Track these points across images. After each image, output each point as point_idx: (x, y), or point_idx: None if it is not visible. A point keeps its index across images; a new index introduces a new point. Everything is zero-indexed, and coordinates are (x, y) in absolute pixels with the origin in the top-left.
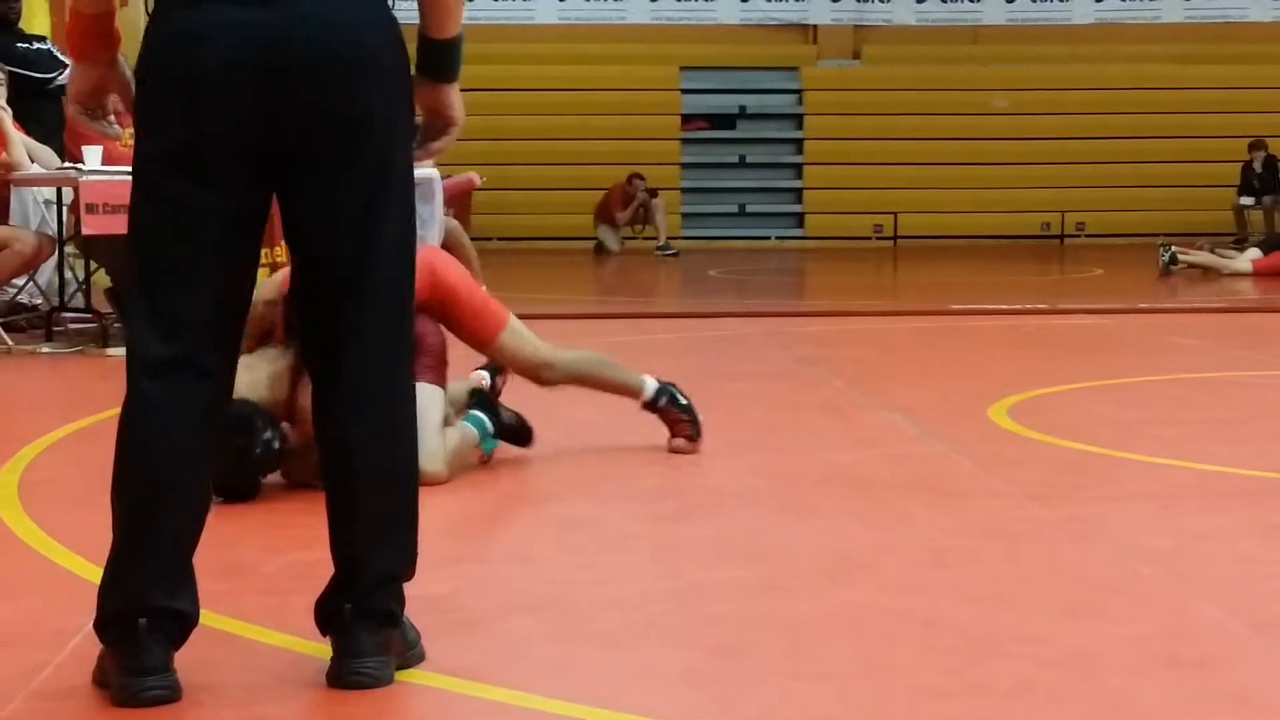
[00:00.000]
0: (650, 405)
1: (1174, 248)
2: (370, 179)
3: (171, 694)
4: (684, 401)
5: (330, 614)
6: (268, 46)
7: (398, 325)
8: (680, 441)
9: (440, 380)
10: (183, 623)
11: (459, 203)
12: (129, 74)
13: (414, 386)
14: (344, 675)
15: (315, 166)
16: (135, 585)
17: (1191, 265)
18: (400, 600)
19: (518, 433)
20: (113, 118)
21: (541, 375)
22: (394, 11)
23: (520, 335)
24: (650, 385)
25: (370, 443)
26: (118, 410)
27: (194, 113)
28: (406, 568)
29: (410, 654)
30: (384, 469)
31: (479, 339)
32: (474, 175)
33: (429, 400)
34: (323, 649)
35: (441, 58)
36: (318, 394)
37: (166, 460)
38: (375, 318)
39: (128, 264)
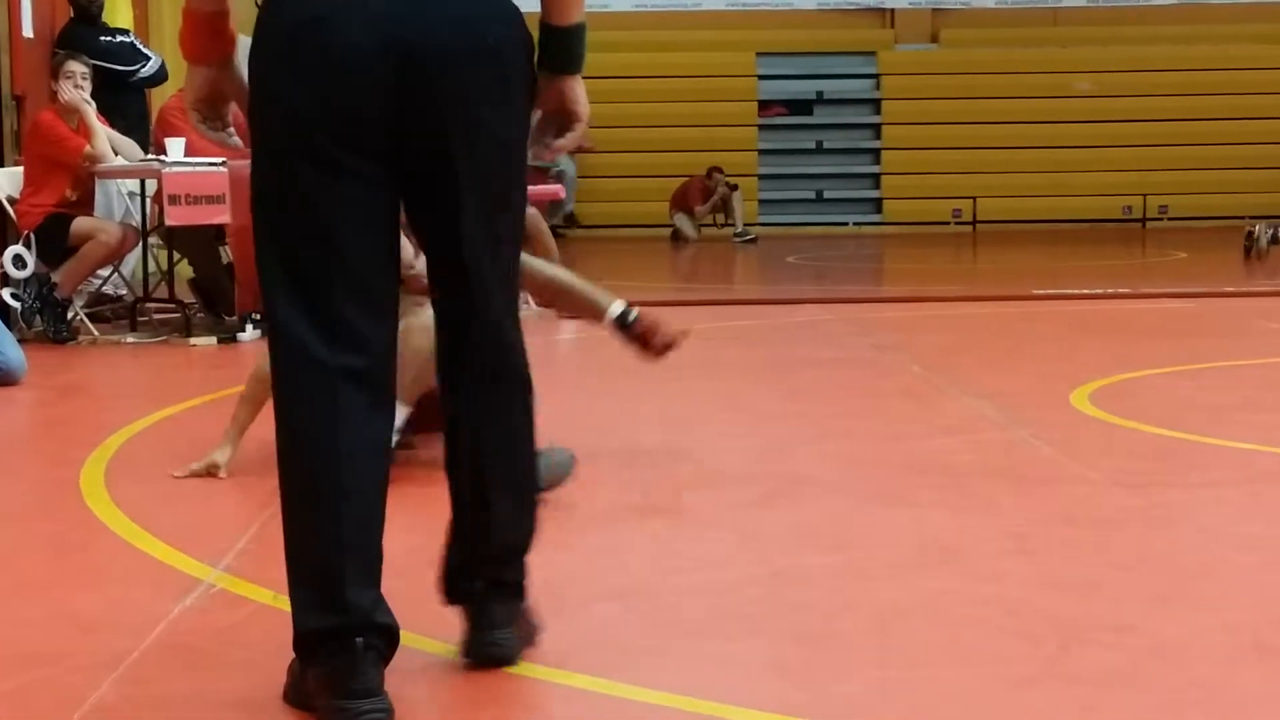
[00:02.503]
0: (619, 324)
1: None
2: (489, 175)
3: (387, 717)
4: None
5: (461, 587)
6: (393, 34)
7: (510, 311)
8: (659, 347)
9: None
10: (392, 640)
11: (541, 205)
12: (244, 78)
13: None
14: (480, 647)
15: (435, 159)
16: (350, 599)
17: None
18: (525, 573)
19: None
20: (232, 129)
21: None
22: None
23: None
24: (617, 305)
25: (495, 419)
26: (202, 399)
27: (320, 100)
28: (531, 540)
29: (535, 633)
30: (508, 444)
31: None
32: (560, 188)
33: None
34: (408, 637)
35: (564, 47)
36: (444, 371)
37: (345, 463)
38: (490, 303)
39: (264, 253)
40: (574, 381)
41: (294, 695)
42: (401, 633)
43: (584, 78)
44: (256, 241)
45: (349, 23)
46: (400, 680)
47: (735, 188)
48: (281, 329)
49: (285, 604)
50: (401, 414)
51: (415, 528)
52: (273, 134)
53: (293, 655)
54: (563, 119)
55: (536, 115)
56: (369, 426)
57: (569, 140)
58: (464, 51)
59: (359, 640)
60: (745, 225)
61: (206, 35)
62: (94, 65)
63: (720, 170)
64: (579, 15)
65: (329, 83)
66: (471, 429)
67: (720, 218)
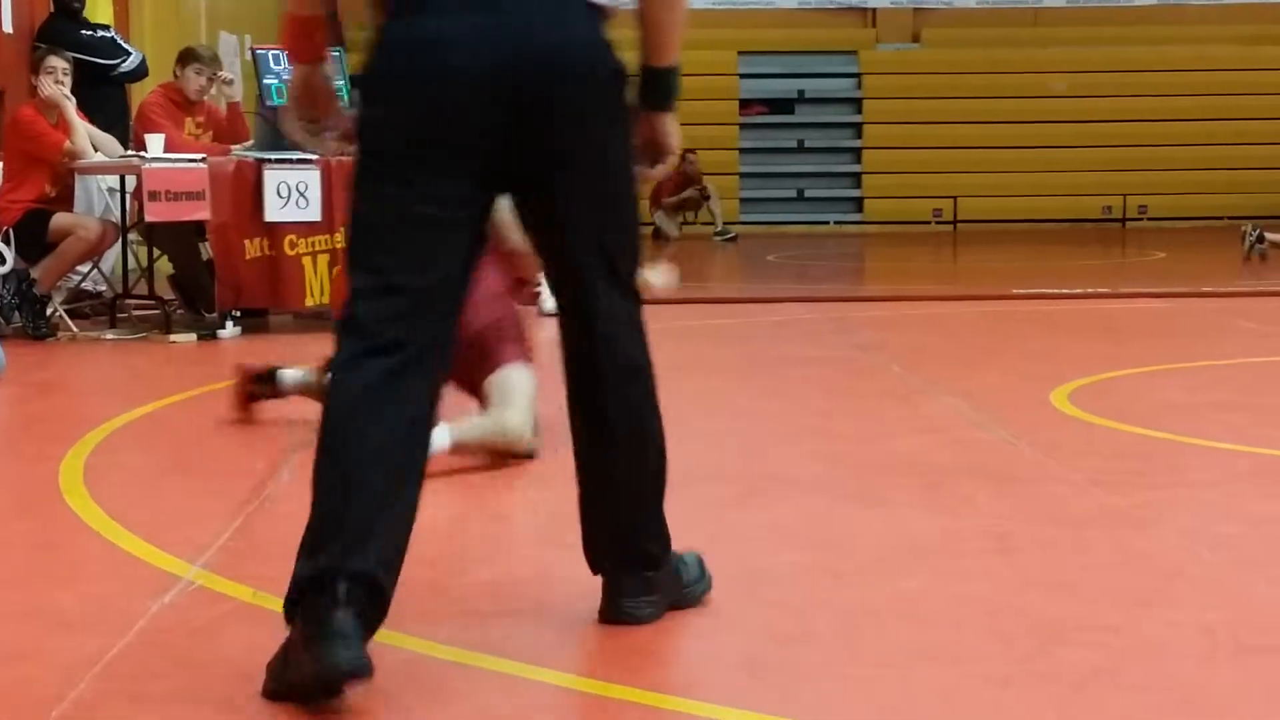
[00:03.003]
0: None
1: (1260, 229)
2: (594, 190)
3: (363, 667)
4: None
5: (596, 561)
6: (504, 57)
7: (627, 315)
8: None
9: (529, 358)
10: (375, 598)
11: None
12: (334, 82)
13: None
14: (612, 613)
15: (542, 175)
16: (338, 546)
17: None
18: (662, 541)
19: None
20: (330, 134)
21: None
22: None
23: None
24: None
25: (616, 411)
26: (182, 396)
27: (429, 116)
28: (658, 513)
29: (687, 592)
30: (630, 432)
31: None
32: None
33: (525, 378)
34: (386, 634)
35: (659, 85)
36: (577, 368)
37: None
38: (603, 306)
39: (352, 258)
40: (556, 376)
41: (273, 684)
42: (381, 630)
43: None
44: (346, 231)
45: (463, 45)
46: (381, 677)
47: (709, 197)
48: (350, 308)
49: (265, 601)
50: None
51: None
52: (378, 143)
53: (273, 654)
54: (656, 150)
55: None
56: (407, 409)
57: (660, 170)
58: (570, 75)
59: (340, 586)
60: (725, 224)
61: (300, 36)
62: (75, 59)
63: (693, 152)
64: (674, 58)
65: (441, 100)
66: (597, 419)
67: (691, 215)
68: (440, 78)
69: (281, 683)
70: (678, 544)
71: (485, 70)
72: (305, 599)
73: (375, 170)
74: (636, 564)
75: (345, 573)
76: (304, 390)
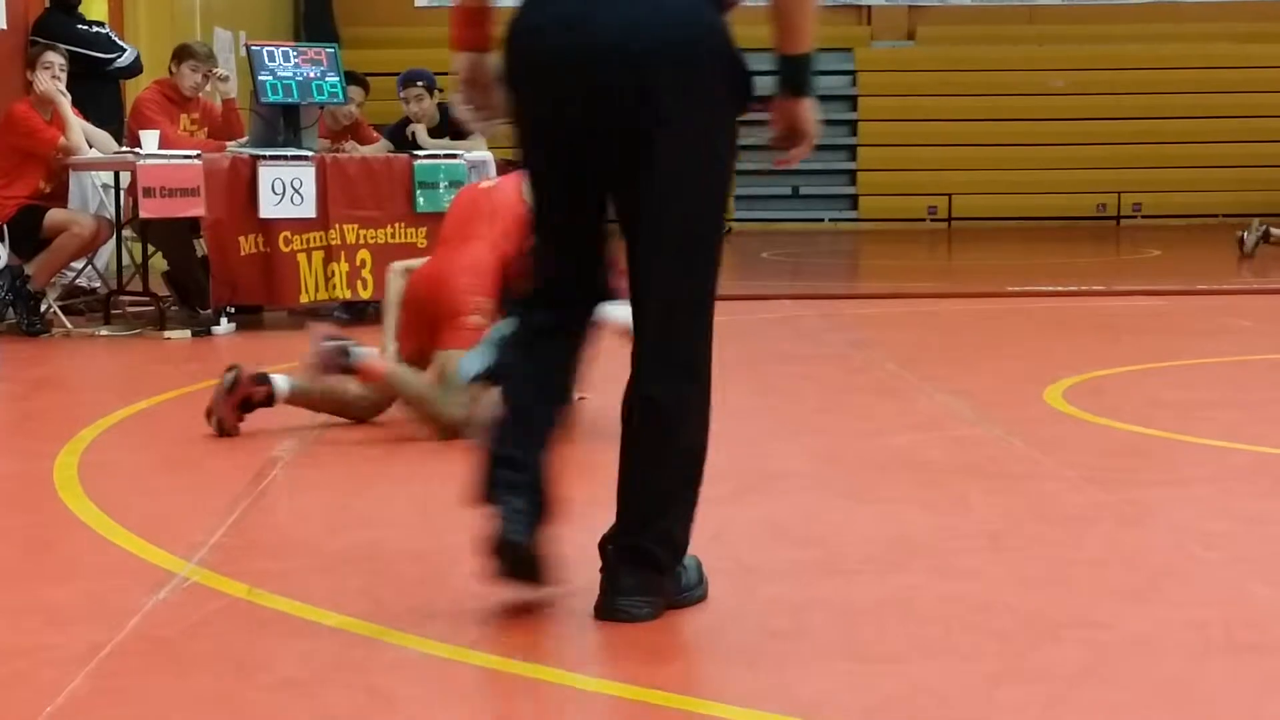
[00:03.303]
0: None
1: (1266, 225)
2: (674, 180)
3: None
4: None
5: (602, 552)
6: (592, 39)
7: (691, 306)
8: None
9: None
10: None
11: None
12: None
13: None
14: (605, 609)
15: (622, 155)
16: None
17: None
18: (669, 546)
19: None
20: (495, 120)
21: None
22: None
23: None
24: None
25: (656, 402)
26: (176, 392)
27: (534, 96)
28: (678, 519)
29: (684, 596)
30: (662, 424)
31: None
32: None
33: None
34: (380, 630)
35: (792, 73)
36: (636, 349)
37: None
38: (671, 291)
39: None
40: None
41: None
42: (375, 626)
43: None
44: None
45: (555, 29)
46: (374, 674)
47: None
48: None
49: (260, 597)
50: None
51: (377, 522)
52: (516, 123)
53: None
54: (793, 137)
55: (771, 130)
56: (554, 358)
57: (798, 155)
58: (654, 54)
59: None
60: None
61: (467, 25)
62: (71, 52)
63: None
64: (805, 46)
65: (540, 82)
66: (640, 403)
67: None
68: (533, 62)
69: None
70: None
71: (569, 54)
72: None
73: (520, 146)
74: (641, 562)
75: None
76: (298, 397)
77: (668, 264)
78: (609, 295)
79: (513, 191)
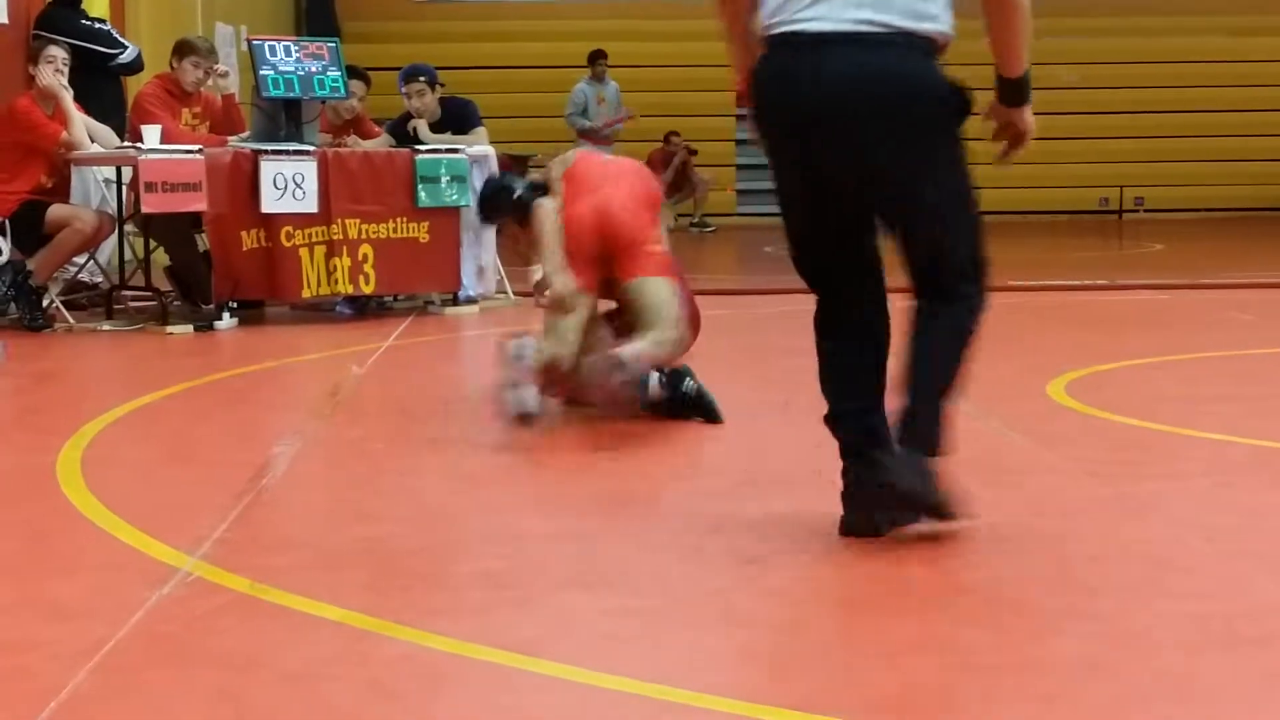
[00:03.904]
0: None
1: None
2: (899, 203)
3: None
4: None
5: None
6: (836, 87)
7: (966, 253)
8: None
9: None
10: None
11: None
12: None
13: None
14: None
15: (857, 186)
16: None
17: None
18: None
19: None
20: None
21: None
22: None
23: None
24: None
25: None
26: (178, 387)
27: (782, 134)
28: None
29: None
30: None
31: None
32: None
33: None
34: (382, 625)
35: (1008, 91)
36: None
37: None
38: (932, 246)
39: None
40: None
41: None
42: (376, 621)
43: (557, 68)
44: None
45: (801, 76)
46: (376, 668)
47: (695, 151)
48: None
49: (263, 592)
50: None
51: (379, 517)
52: (769, 156)
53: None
54: (1014, 136)
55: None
56: (859, 326)
57: (1018, 153)
58: (880, 97)
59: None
60: (712, 215)
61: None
62: (74, 46)
63: (677, 134)
64: (1021, 69)
65: (789, 121)
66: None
67: (690, 201)
68: (782, 105)
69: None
70: (672, 539)
71: (815, 99)
72: None
73: (774, 174)
74: (919, 444)
75: None
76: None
77: (942, 232)
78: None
79: (628, 163)
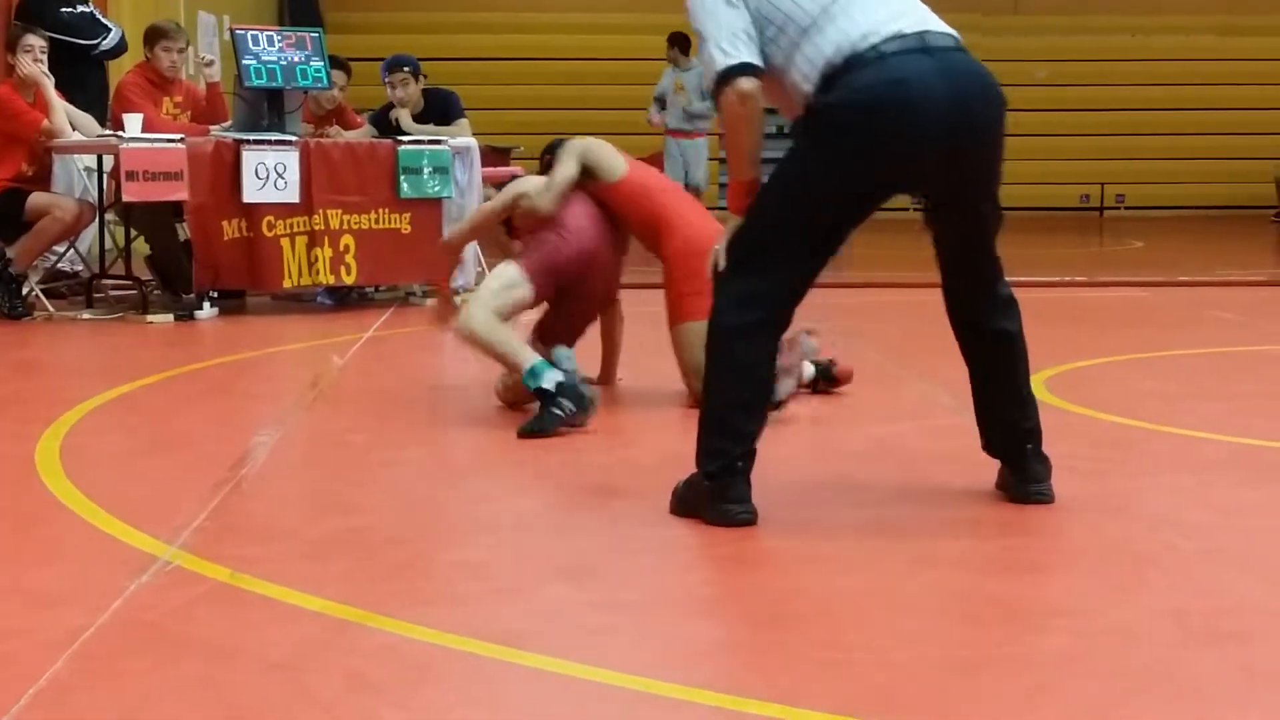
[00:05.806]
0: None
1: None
2: (992, 190)
3: (754, 517)
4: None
5: (1011, 450)
6: (956, 93)
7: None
8: None
9: (528, 271)
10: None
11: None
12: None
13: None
14: (1029, 495)
15: (966, 180)
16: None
17: None
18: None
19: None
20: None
21: None
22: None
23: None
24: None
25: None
26: (158, 376)
27: (892, 144)
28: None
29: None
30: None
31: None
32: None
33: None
34: (363, 615)
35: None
36: (977, 304)
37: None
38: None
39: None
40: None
41: (680, 508)
42: (358, 611)
43: (552, 60)
44: (768, 219)
45: (927, 83)
46: (357, 658)
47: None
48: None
49: (242, 581)
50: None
51: (360, 508)
52: (830, 165)
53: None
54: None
55: None
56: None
57: None
58: (993, 104)
59: (739, 462)
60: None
61: (746, 196)
62: (54, 39)
63: None
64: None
65: (907, 130)
66: (1011, 334)
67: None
68: (904, 112)
69: (686, 508)
70: (657, 532)
71: (942, 106)
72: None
73: (819, 182)
74: (1044, 455)
75: None
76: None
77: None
78: None
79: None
